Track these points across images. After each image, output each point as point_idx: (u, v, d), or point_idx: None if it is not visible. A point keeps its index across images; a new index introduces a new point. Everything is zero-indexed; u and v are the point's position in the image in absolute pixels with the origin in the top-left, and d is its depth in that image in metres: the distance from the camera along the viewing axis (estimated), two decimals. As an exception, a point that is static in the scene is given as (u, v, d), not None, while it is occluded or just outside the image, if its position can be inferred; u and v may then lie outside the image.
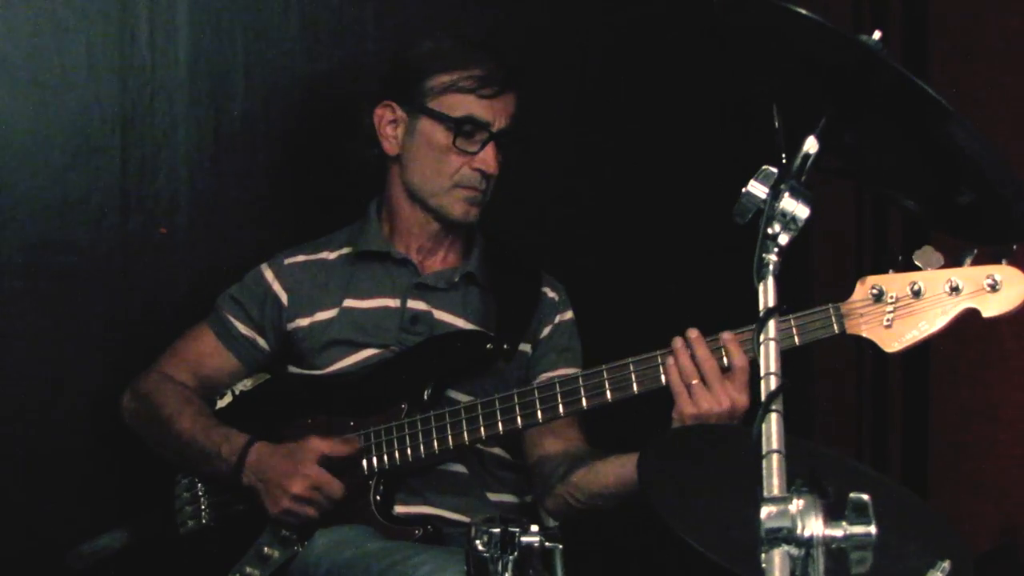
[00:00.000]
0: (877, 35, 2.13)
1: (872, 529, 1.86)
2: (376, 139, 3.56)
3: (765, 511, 1.85)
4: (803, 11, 2.13)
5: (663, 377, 3.22)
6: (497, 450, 3.57)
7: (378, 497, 3.42)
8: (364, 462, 3.41)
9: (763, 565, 1.84)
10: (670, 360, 3.22)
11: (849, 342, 3.14)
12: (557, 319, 3.64)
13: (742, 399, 3.18)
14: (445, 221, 3.57)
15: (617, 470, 3.38)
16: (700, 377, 3.19)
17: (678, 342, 3.22)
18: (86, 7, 3.71)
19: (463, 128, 3.47)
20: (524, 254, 3.71)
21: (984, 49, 4.42)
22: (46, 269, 3.71)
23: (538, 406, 3.31)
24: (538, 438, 3.56)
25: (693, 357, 3.20)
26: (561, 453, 3.53)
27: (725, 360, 3.20)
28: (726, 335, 3.20)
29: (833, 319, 3.10)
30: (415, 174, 3.55)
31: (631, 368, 3.25)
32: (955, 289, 3.00)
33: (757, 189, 2.15)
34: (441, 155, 3.50)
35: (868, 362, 4.61)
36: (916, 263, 3.02)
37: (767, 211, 2.11)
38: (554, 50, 4.25)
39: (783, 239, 2.10)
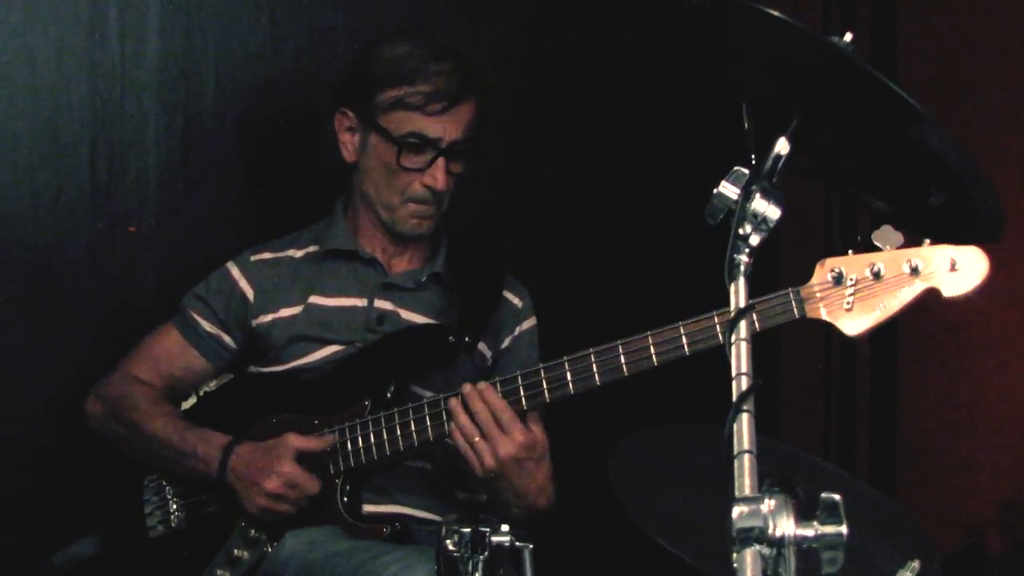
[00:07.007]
0: (848, 37, 2.14)
1: (843, 529, 1.86)
2: (337, 144, 3.56)
3: (737, 511, 1.85)
4: (774, 12, 2.13)
5: (624, 367, 3.20)
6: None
7: (345, 497, 3.41)
8: (330, 462, 3.40)
9: (734, 565, 1.85)
10: (452, 425, 3.25)
11: (816, 340, 3.13)
12: (518, 330, 3.63)
13: (515, 437, 3.21)
14: (396, 234, 3.56)
15: None
16: (480, 432, 3.22)
17: (452, 401, 3.26)
18: (56, 6, 3.69)
19: (407, 146, 3.43)
20: (489, 254, 3.70)
21: (952, 51, 4.44)
22: (15, 268, 3.69)
23: (501, 400, 3.31)
24: None
25: (471, 413, 3.23)
26: None
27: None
28: (482, 386, 3.24)
29: (793, 303, 3.03)
30: (369, 185, 3.54)
31: (592, 359, 3.23)
32: (915, 270, 2.95)
33: (728, 190, 2.15)
34: (390, 171, 3.47)
35: (835, 362, 4.62)
36: (875, 243, 2.96)
37: (738, 212, 2.12)
38: (519, 50, 4.26)
39: (754, 240, 2.11)
